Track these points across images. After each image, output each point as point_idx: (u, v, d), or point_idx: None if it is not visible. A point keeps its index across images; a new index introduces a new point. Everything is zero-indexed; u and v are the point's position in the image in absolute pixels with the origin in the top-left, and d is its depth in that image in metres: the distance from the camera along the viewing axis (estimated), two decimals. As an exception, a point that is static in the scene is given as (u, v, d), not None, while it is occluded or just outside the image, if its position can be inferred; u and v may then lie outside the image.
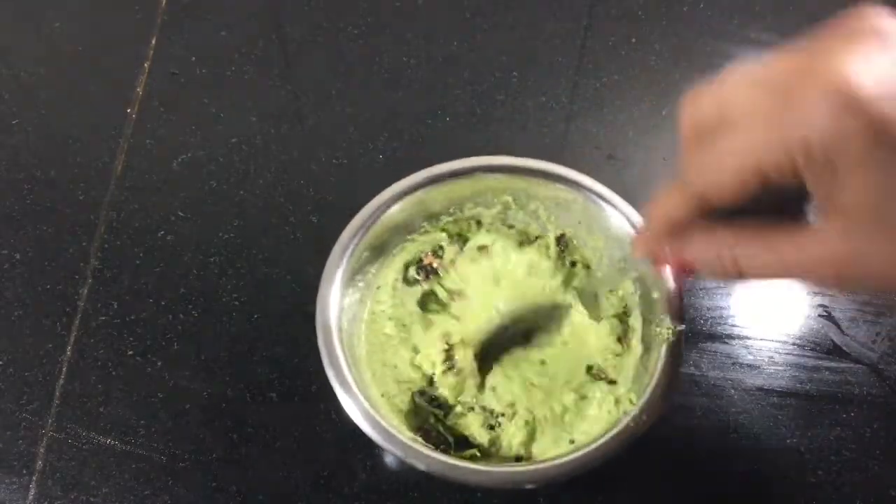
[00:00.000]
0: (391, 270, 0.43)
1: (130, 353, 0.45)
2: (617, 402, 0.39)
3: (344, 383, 0.36)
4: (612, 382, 0.40)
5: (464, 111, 0.54)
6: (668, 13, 0.58)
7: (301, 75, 0.55)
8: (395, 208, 0.41)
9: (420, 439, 0.37)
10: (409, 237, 0.43)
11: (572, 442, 0.39)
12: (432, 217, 0.43)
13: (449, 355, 0.40)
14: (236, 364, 0.44)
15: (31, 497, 0.41)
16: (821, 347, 0.47)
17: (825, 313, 0.49)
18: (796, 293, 0.49)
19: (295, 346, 0.45)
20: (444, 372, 0.40)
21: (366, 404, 0.36)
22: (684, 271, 0.30)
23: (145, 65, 0.55)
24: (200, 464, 0.42)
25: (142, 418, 0.43)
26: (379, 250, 0.42)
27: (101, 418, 0.43)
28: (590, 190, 0.41)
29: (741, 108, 0.25)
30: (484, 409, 0.40)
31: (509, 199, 0.43)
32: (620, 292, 0.42)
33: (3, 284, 0.47)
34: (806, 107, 0.22)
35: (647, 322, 0.40)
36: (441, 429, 0.39)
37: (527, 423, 0.39)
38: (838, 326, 0.48)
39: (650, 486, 0.43)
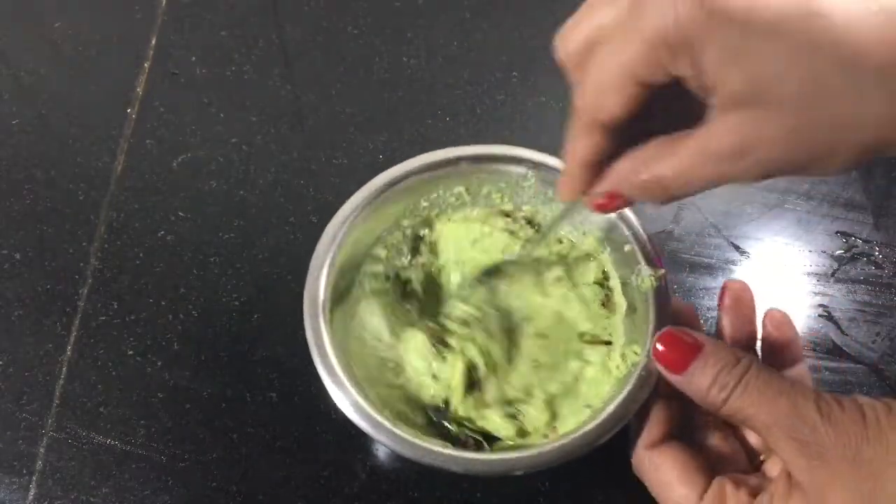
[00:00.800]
0: (368, 297, 0.42)
1: (130, 353, 0.45)
2: (623, 356, 0.39)
3: (340, 384, 0.36)
4: (607, 343, 0.40)
5: (464, 111, 0.54)
6: (668, 13, 0.58)
7: (301, 75, 0.55)
8: (361, 216, 0.40)
9: (450, 445, 0.36)
10: (372, 253, 0.42)
11: (589, 407, 0.38)
12: (391, 227, 0.43)
13: (471, 385, 0.39)
14: (236, 364, 0.44)
15: (31, 497, 0.41)
16: (821, 347, 0.47)
17: (825, 313, 0.49)
18: (796, 293, 0.49)
19: (295, 346, 0.45)
20: (464, 396, 0.39)
21: (361, 401, 0.35)
22: (616, 204, 0.30)
23: (145, 65, 0.55)
24: (200, 464, 0.42)
25: (142, 418, 0.43)
26: (349, 274, 0.41)
27: (101, 418, 0.43)
28: (540, 164, 0.41)
29: (605, 27, 0.26)
30: (499, 400, 0.39)
31: (462, 189, 0.43)
32: (598, 256, 0.43)
33: (3, 284, 0.47)
34: (653, 4, 0.24)
35: (624, 276, 0.40)
36: (468, 432, 0.39)
37: (546, 403, 0.39)
38: (838, 326, 0.48)
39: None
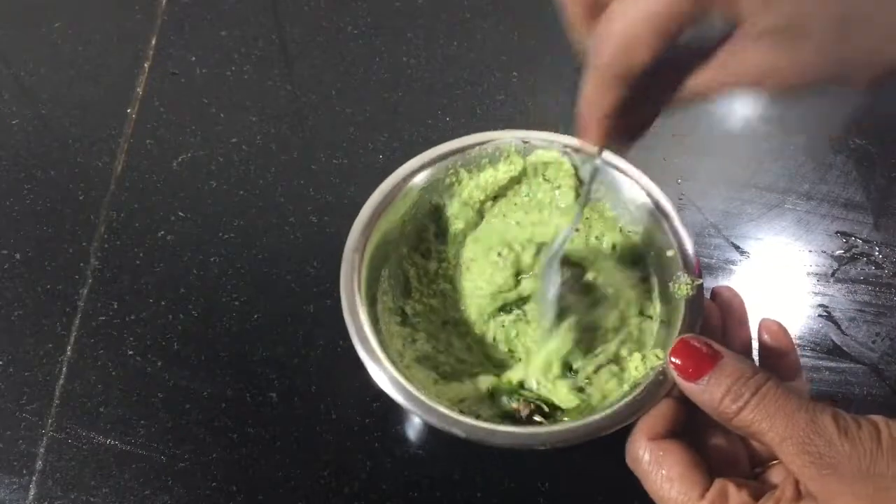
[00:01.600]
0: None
1: (130, 353, 0.45)
2: (644, 359, 0.39)
3: (377, 361, 0.36)
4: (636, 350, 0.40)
5: (464, 111, 0.54)
6: (668, 13, 0.58)
7: (301, 75, 0.55)
8: (413, 181, 0.41)
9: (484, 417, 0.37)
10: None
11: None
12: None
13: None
14: (236, 364, 0.44)
15: (31, 497, 0.41)
16: (821, 347, 0.47)
17: (825, 313, 0.49)
18: (796, 293, 0.49)
19: (295, 346, 0.45)
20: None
21: (394, 372, 0.35)
22: (640, 130, 0.31)
23: (145, 65, 0.55)
24: (200, 464, 0.42)
25: (142, 418, 0.43)
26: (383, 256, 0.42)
27: (101, 418, 0.43)
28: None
29: None
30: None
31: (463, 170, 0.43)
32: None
33: (3, 284, 0.47)
34: None
35: (663, 281, 0.40)
36: (529, 397, 0.39)
37: (613, 372, 0.39)
38: (838, 326, 0.48)
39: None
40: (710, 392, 0.31)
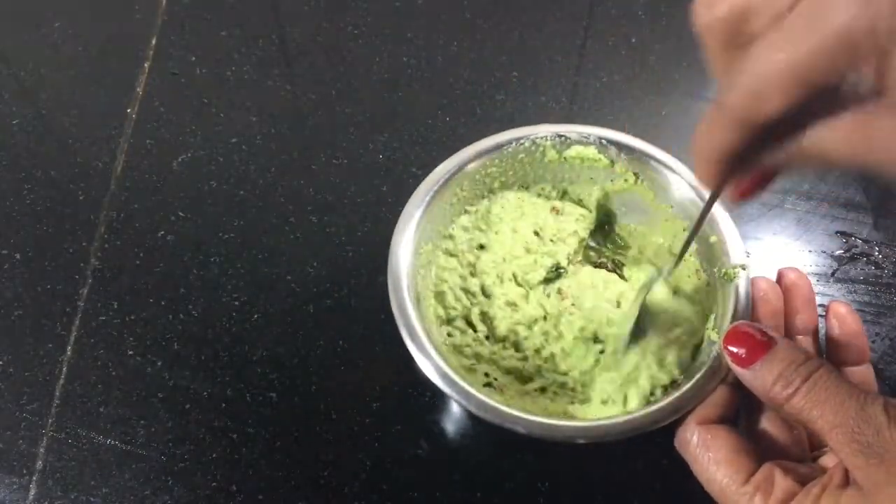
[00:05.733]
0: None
1: (130, 353, 0.45)
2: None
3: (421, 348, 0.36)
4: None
5: (464, 111, 0.54)
6: (668, 13, 0.58)
7: (301, 75, 0.55)
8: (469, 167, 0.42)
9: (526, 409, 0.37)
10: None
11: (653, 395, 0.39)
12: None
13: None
14: (236, 364, 0.44)
15: (31, 497, 0.41)
16: (820, 347, 0.47)
17: (825, 313, 0.49)
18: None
19: (295, 346, 0.45)
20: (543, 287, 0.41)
21: (441, 364, 0.35)
22: (759, 185, 0.29)
23: (145, 65, 0.55)
24: (200, 464, 0.42)
25: (142, 418, 0.43)
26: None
27: (101, 418, 0.43)
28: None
29: (768, 3, 0.24)
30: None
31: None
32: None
33: (3, 284, 0.47)
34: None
35: (709, 267, 0.40)
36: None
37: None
38: (838, 326, 0.48)
39: (649, 488, 0.43)
40: (761, 378, 0.32)
